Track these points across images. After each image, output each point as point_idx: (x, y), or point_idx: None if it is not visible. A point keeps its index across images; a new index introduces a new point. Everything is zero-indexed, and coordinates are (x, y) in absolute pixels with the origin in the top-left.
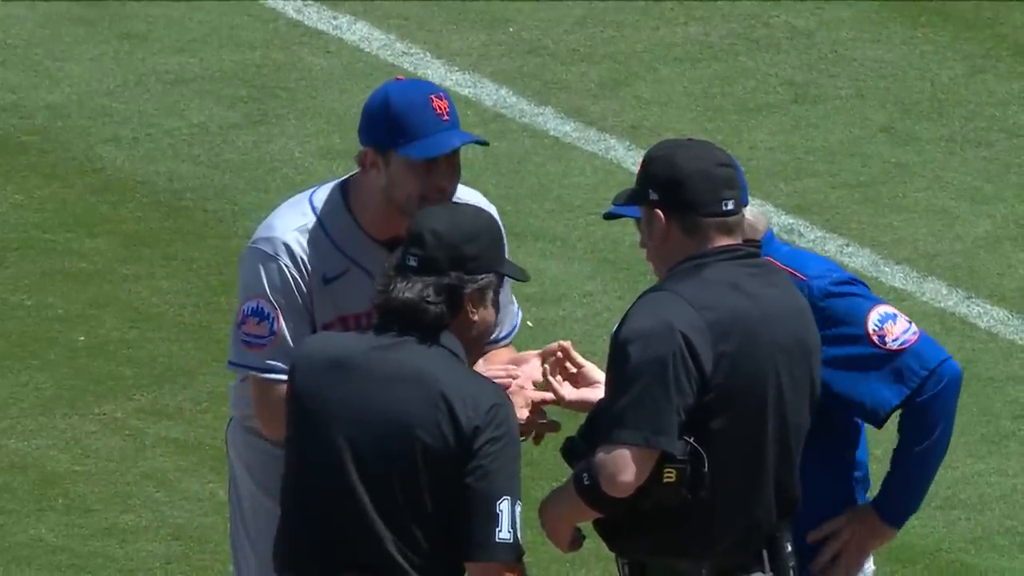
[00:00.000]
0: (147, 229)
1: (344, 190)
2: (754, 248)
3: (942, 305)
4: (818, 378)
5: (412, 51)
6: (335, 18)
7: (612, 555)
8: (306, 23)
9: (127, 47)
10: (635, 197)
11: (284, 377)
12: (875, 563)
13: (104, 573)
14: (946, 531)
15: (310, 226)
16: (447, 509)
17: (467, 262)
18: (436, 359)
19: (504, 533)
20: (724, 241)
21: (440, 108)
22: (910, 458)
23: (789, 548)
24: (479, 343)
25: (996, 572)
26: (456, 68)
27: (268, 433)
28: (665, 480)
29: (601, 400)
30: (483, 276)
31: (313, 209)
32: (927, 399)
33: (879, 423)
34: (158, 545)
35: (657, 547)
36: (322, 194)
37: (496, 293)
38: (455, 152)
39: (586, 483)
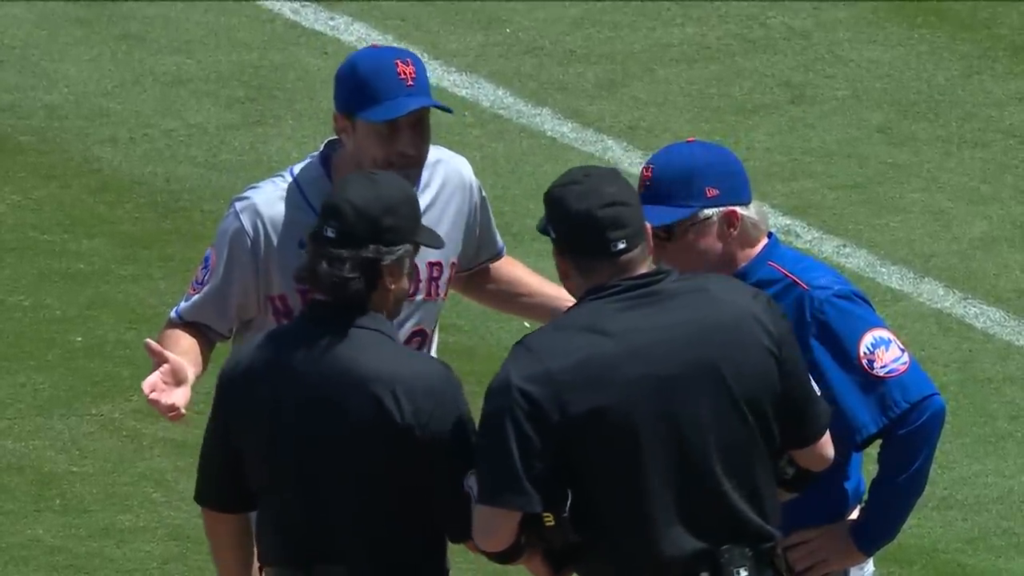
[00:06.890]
0: (144, 230)
1: (325, 159)
2: (649, 278)
3: (939, 306)
4: (764, 390)
5: None
6: (332, 19)
7: None
8: (303, 24)
9: (124, 48)
10: (544, 230)
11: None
12: (872, 564)
13: (101, 573)
14: (943, 531)
15: (288, 192)
16: (415, 501)
17: (384, 234)
18: (367, 347)
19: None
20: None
21: (404, 72)
22: (887, 489)
23: (744, 574)
24: (397, 312)
25: (993, 573)
26: (453, 69)
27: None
28: (546, 524)
29: None
30: (400, 247)
31: (293, 177)
32: (908, 432)
33: (856, 447)
34: (155, 545)
35: (589, 574)
36: (304, 164)
37: (412, 261)
38: (420, 118)
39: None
